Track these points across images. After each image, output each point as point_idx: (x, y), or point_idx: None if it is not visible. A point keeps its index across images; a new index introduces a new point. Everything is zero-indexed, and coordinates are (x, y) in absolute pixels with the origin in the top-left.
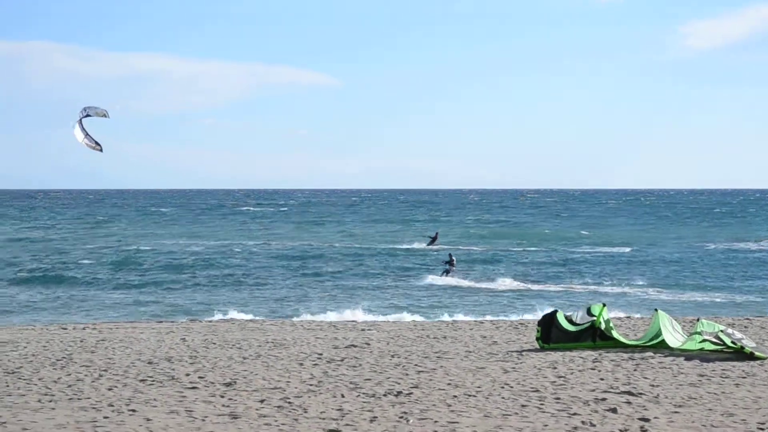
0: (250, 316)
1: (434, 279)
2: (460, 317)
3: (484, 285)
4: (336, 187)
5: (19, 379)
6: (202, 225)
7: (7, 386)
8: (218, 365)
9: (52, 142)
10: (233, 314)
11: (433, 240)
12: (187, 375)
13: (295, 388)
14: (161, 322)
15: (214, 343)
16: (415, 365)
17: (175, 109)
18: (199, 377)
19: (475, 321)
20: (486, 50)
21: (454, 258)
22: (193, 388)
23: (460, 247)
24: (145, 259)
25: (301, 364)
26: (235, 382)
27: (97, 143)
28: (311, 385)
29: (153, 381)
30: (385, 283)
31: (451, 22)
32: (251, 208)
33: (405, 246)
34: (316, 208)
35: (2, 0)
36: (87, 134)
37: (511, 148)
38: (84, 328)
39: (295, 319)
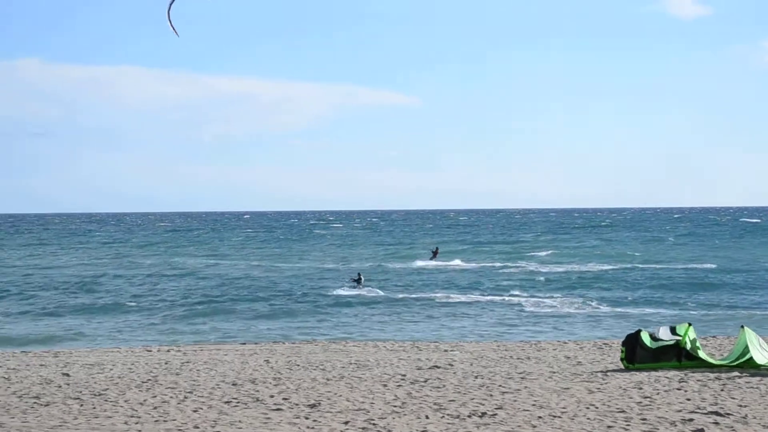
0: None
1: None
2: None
3: (570, 306)
4: (423, 207)
5: (106, 401)
6: (301, 245)
7: (94, 408)
8: (302, 387)
9: (132, 164)
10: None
11: (434, 254)
12: (272, 396)
13: (379, 409)
14: (245, 343)
15: (298, 365)
16: (499, 386)
17: (263, 131)
18: (284, 399)
19: (558, 341)
20: (564, 68)
21: (362, 276)
22: (278, 409)
23: (556, 268)
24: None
25: (385, 385)
26: (319, 403)
27: (174, 29)
28: (395, 406)
29: (238, 403)
30: (479, 305)
31: (524, 42)
32: (336, 225)
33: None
34: (393, 228)
35: (93, 26)
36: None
37: (594, 166)
38: (168, 350)
39: (378, 341)
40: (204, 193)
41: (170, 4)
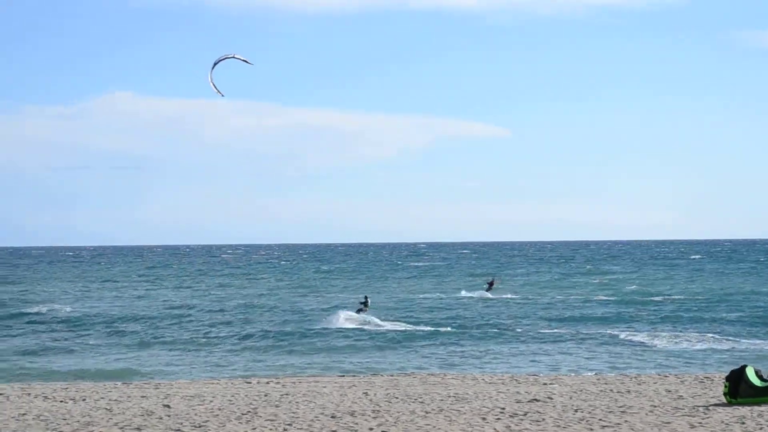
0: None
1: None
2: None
3: (670, 339)
4: (506, 238)
5: None
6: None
7: None
8: (401, 419)
9: (217, 198)
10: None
11: (490, 286)
12: (371, 429)
13: None
14: (343, 376)
15: (397, 397)
16: (599, 420)
17: (345, 163)
18: (382, 431)
19: (659, 375)
20: (663, 100)
21: (369, 299)
22: None
23: (648, 299)
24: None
25: (484, 419)
26: None
27: (218, 90)
28: None
29: None
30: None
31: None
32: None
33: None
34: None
35: (183, 60)
36: (212, 80)
37: (692, 195)
38: (268, 383)
39: (476, 373)
40: (286, 226)
41: (213, 67)
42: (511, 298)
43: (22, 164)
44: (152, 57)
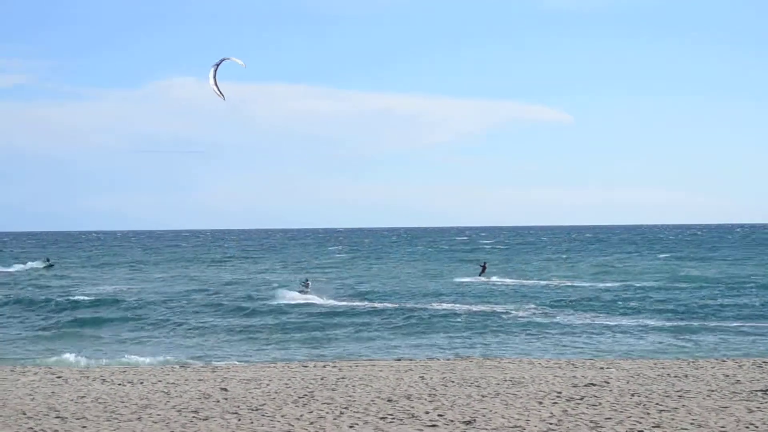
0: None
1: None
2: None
3: (727, 322)
4: (569, 222)
5: (263, 416)
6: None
7: (252, 423)
8: (457, 403)
9: (275, 182)
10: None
11: (483, 270)
12: (427, 413)
13: (535, 426)
14: (399, 359)
15: (453, 381)
16: (656, 404)
17: (405, 147)
18: (439, 415)
19: (716, 359)
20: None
21: (309, 282)
22: (433, 426)
23: (704, 284)
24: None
25: (541, 403)
26: (474, 420)
27: (221, 92)
28: (551, 423)
29: (393, 419)
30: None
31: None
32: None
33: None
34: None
35: (244, 44)
36: (216, 82)
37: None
38: (324, 366)
39: (533, 357)
40: (346, 211)
41: (215, 72)
42: (571, 285)
43: (82, 147)
44: (210, 42)
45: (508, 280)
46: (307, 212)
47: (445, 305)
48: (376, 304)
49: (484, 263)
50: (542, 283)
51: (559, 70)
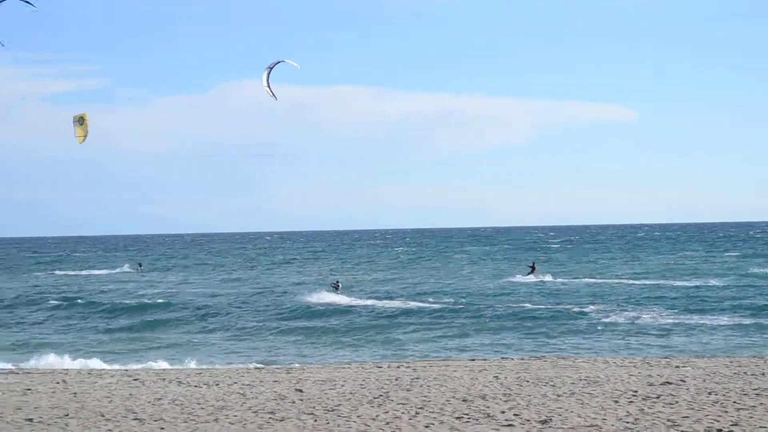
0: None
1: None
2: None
3: None
4: (636, 221)
5: (339, 416)
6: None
7: (328, 423)
8: (532, 403)
9: (336, 185)
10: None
11: (532, 270)
12: (503, 413)
13: (612, 425)
14: (474, 359)
15: (528, 381)
16: (734, 402)
17: (470, 147)
18: (515, 415)
19: None
20: None
21: (340, 283)
22: (509, 425)
23: None
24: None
25: (617, 402)
26: (550, 419)
27: (273, 93)
28: (627, 422)
29: (469, 418)
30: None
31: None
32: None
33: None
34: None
35: (308, 47)
36: (269, 84)
37: None
38: (398, 367)
39: (608, 356)
40: (411, 212)
41: (268, 73)
42: (641, 283)
43: (149, 152)
44: (275, 44)
45: (568, 279)
46: (373, 214)
47: (510, 304)
48: (439, 303)
49: (533, 263)
50: (611, 281)
51: (624, 68)
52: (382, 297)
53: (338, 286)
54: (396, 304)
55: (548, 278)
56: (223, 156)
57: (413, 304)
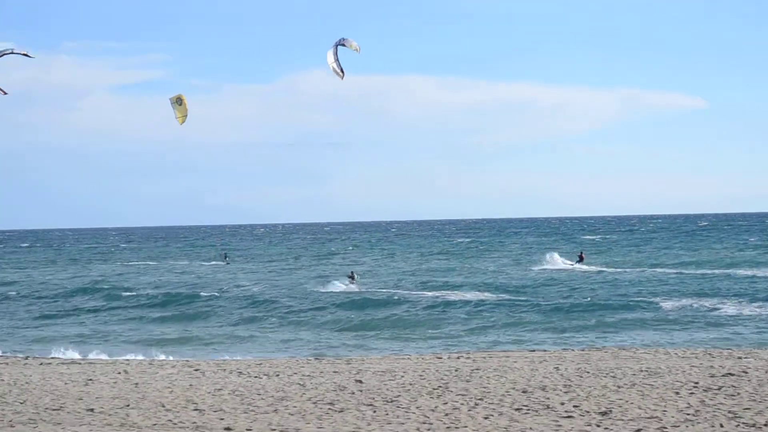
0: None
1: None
2: None
3: None
4: (708, 210)
5: (398, 407)
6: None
7: (387, 414)
8: (593, 394)
9: (410, 174)
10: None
11: (580, 259)
12: (562, 404)
13: (672, 417)
14: (534, 350)
15: (588, 372)
16: None
17: (545, 136)
18: (574, 406)
19: None
20: None
21: (355, 274)
22: (569, 417)
23: None
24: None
25: (677, 393)
26: (610, 411)
27: (342, 70)
28: (688, 414)
29: (528, 410)
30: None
31: None
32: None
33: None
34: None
35: (377, 36)
36: (337, 59)
37: None
38: (458, 357)
39: (668, 347)
40: (481, 202)
41: (336, 48)
42: (702, 273)
43: (222, 141)
44: (343, 34)
45: (628, 269)
46: (442, 204)
47: (566, 294)
48: (493, 294)
49: (581, 252)
50: (672, 271)
51: (694, 56)
52: (434, 287)
53: (354, 276)
54: (454, 295)
55: (605, 268)
56: (289, 145)
57: (471, 295)
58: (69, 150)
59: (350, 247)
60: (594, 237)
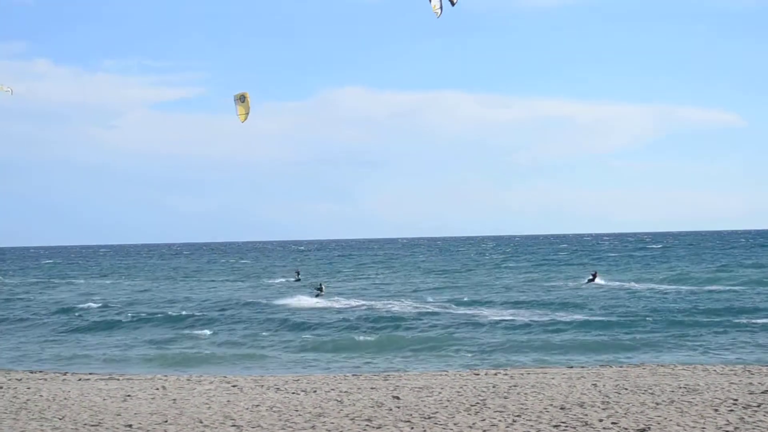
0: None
1: None
2: None
3: None
4: (745, 226)
5: (436, 424)
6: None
7: (424, 431)
8: (631, 411)
9: (445, 190)
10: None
11: (593, 278)
12: (600, 421)
13: None
14: (571, 367)
15: (626, 389)
16: None
17: (582, 152)
18: (613, 423)
19: None
20: None
21: (323, 286)
22: None
23: None
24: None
25: (716, 410)
26: (648, 428)
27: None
28: (727, 431)
29: (566, 427)
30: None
31: None
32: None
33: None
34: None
35: (413, 53)
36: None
37: None
38: (495, 374)
39: (707, 364)
40: (518, 218)
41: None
42: (737, 289)
43: (258, 158)
44: (381, 52)
45: (664, 286)
46: (480, 220)
47: (601, 310)
48: (530, 311)
49: (594, 272)
50: (708, 287)
51: (729, 72)
52: (469, 304)
53: (322, 289)
54: (489, 310)
55: (640, 285)
56: (325, 162)
57: (507, 312)
58: (105, 167)
59: (379, 271)
60: (633, 253)
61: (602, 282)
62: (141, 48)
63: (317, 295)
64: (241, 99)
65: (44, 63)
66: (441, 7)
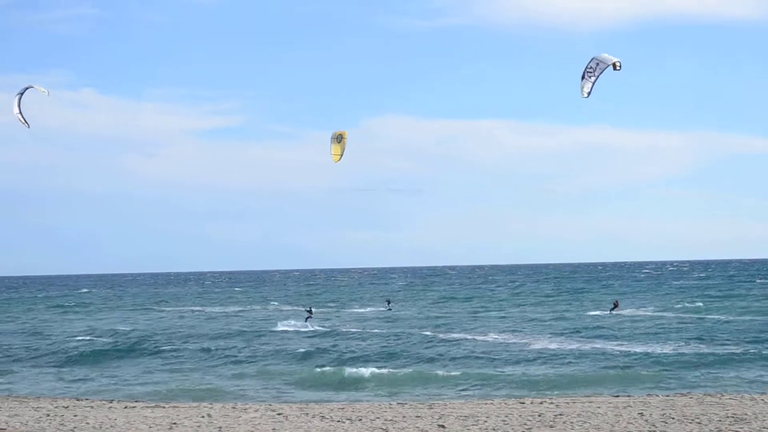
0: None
1: None
2: None
3: None
4: None
5: None
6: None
7: None
8: None
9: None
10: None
11: (614, 306)
12: None
13: None
14: (617, 396)
15: (673, 418)
16: None
17: (624, 182)
18: None
19: None
20: None
21: (312, 309)
22: None
23: None
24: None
25: None
26: None
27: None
28: None
29: None
30: None
31: None
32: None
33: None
34: None
35: (454, 82)
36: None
37: None
38: (541, 403)
39: (755, 392)
40: (558, 246)
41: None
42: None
43: (300, 186)
44: (418, 80)
45: (708, 315)
46: (518, 248)
47: (644, 340)
48: (571, 339)
49: (616, 300)
50: (752, 317)
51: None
52: (514, 331)
53: (311, 311)
54: (531, 338)
55: (682, 313)
56: (366, 191)
57: (555, 343)
58: (148, 196)
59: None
60: (676, 283)
61: (623, 312)
62: (185, 77)
63: (307, 318)
64: (338, 138)
65: (89, 92)
66: (590, 92)
